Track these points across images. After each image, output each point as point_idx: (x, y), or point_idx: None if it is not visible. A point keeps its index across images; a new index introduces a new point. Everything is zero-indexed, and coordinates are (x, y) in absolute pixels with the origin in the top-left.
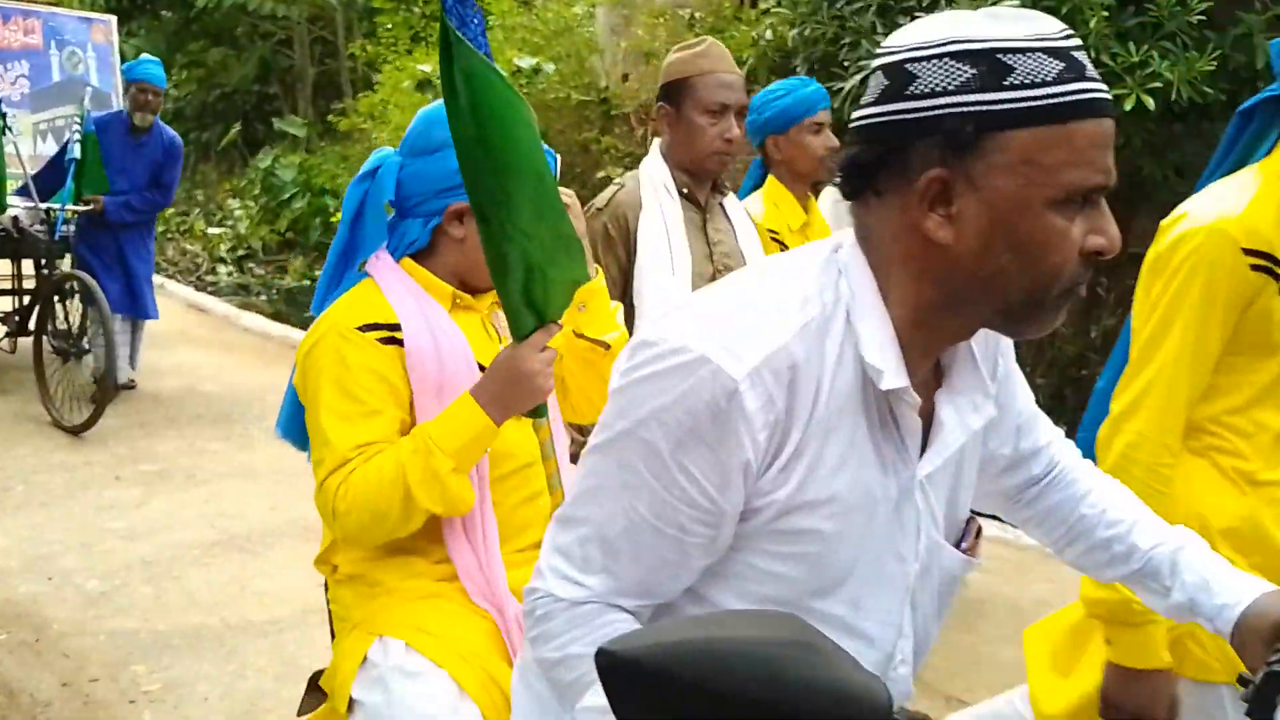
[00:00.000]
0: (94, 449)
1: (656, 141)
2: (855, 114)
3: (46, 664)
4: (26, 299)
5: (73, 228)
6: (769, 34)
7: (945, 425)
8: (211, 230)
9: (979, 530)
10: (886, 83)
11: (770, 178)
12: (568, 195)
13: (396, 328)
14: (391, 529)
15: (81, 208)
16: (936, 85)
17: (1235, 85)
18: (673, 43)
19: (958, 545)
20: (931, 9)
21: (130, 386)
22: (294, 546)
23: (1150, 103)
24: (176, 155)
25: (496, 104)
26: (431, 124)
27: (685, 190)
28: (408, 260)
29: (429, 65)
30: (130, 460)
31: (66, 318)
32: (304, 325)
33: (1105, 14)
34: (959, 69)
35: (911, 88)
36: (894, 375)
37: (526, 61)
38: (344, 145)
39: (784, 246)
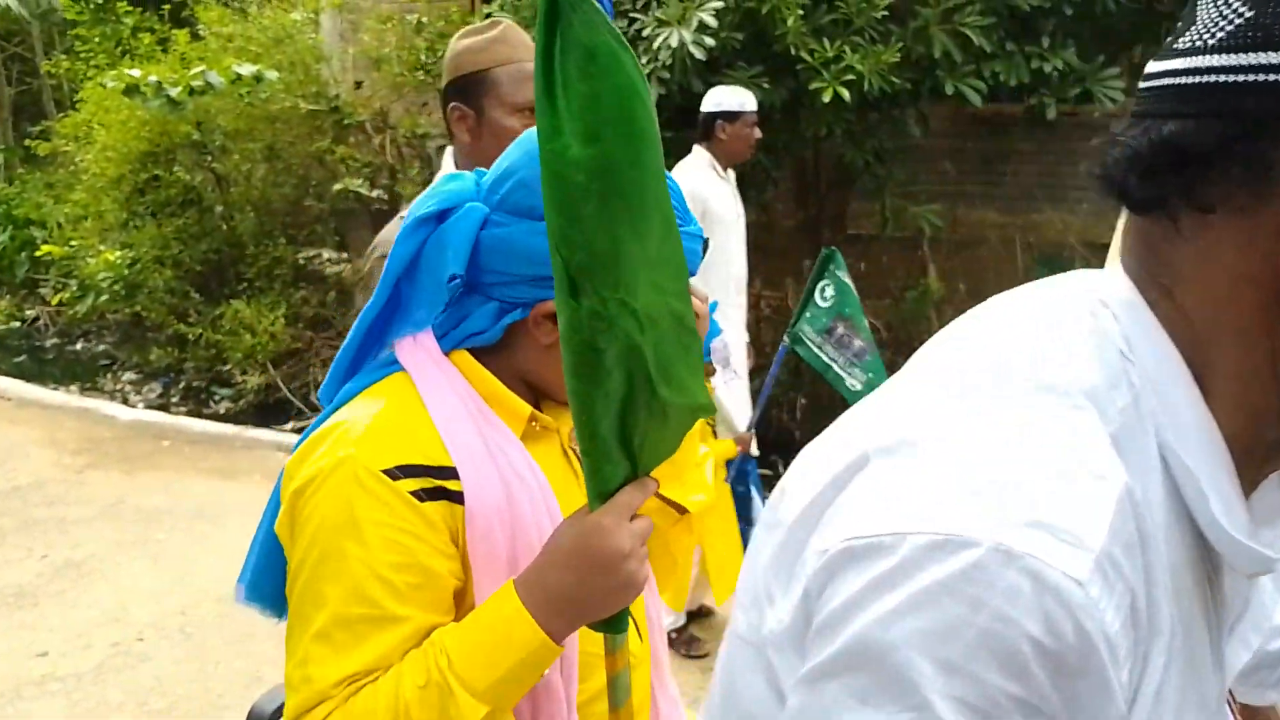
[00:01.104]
0: None
1: (448, 152)
2: (1155, 69)
3: None
4: None
5: None
6: None
7: (1258, 597)
8: None
9: None
10: (1243, 17)
11: None
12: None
13: (449, 473)
14: None
15: None
16: None
17: (918, 75)
18: (402, 49)
19: None
20: (645, 10)
21: None
22: (5, 616)
23: (846, 94)
24: None
25: (626, 103)
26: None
27: None
28: (464, 356)
29: (138, 70)
30: None
31: None
32: (18, 372)
33: (801, 12)
34: None
35: None
36: (1241, 525)
37: (246, 69)
38: (47, 171)
39: None
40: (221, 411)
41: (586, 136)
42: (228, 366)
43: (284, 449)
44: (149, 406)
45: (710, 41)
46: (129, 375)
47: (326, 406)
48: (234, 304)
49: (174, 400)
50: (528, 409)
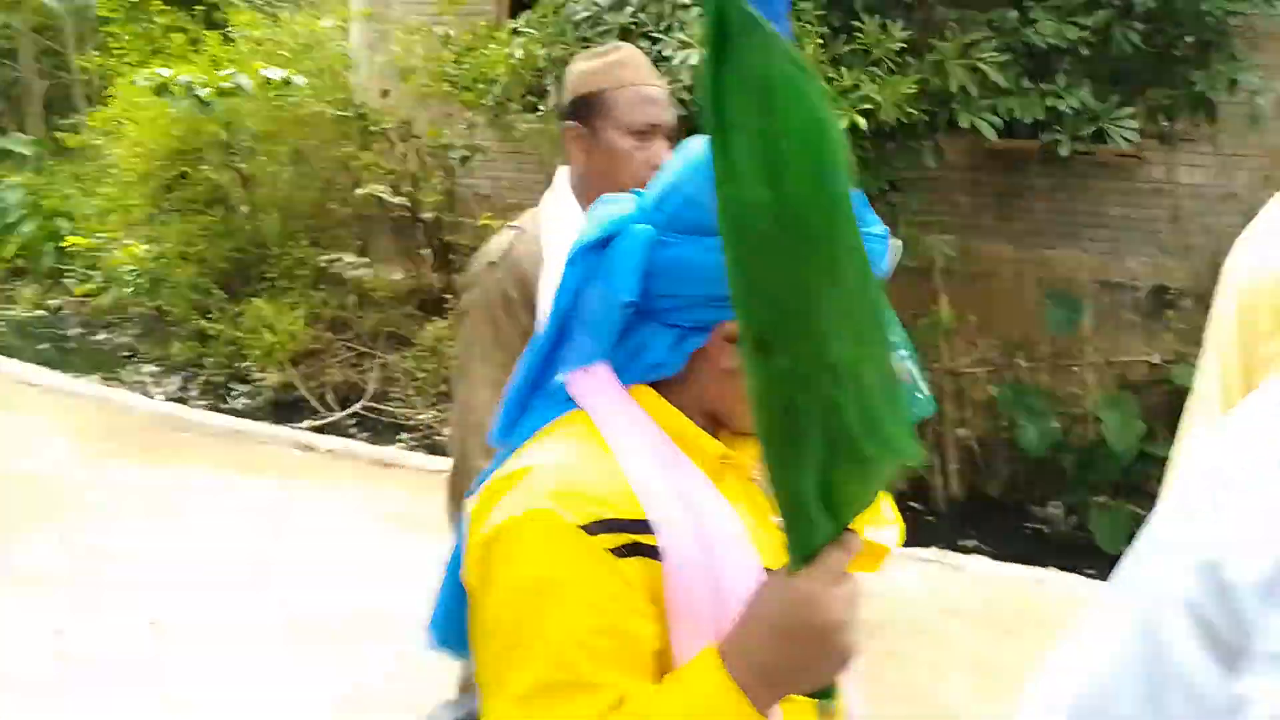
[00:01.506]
0: None
1: (563, 171)
2: None
3: None
4: None
5: None
6: (520, 53)
7: None
8: None
9: None
10: None
11: None
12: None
13: (643, 526)
14: None
15: None
16: None
17: (935, 106)
18: (429, 60)
19: None
20: (668, 32)
21: None
22: (27, 596)
23: (863, 123)
24: None
25: (812, 139)
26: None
27: None
28: (646, 391)
29: (169, 70)
30: None
31: None
32: (42, 360)
33: (820, 41)
34: None
35: None
36: None
37: (276, 73)
38: (76, 163)
39: None
40: (239, 407)
41: (768, 178)
42: (247, 363)
43: (300, 446)
44: (168, 399)
45: None
46: (150, 368)
47: (500, 443)
48: (255, 302)
49: (193, 395)
50: (719, 448)
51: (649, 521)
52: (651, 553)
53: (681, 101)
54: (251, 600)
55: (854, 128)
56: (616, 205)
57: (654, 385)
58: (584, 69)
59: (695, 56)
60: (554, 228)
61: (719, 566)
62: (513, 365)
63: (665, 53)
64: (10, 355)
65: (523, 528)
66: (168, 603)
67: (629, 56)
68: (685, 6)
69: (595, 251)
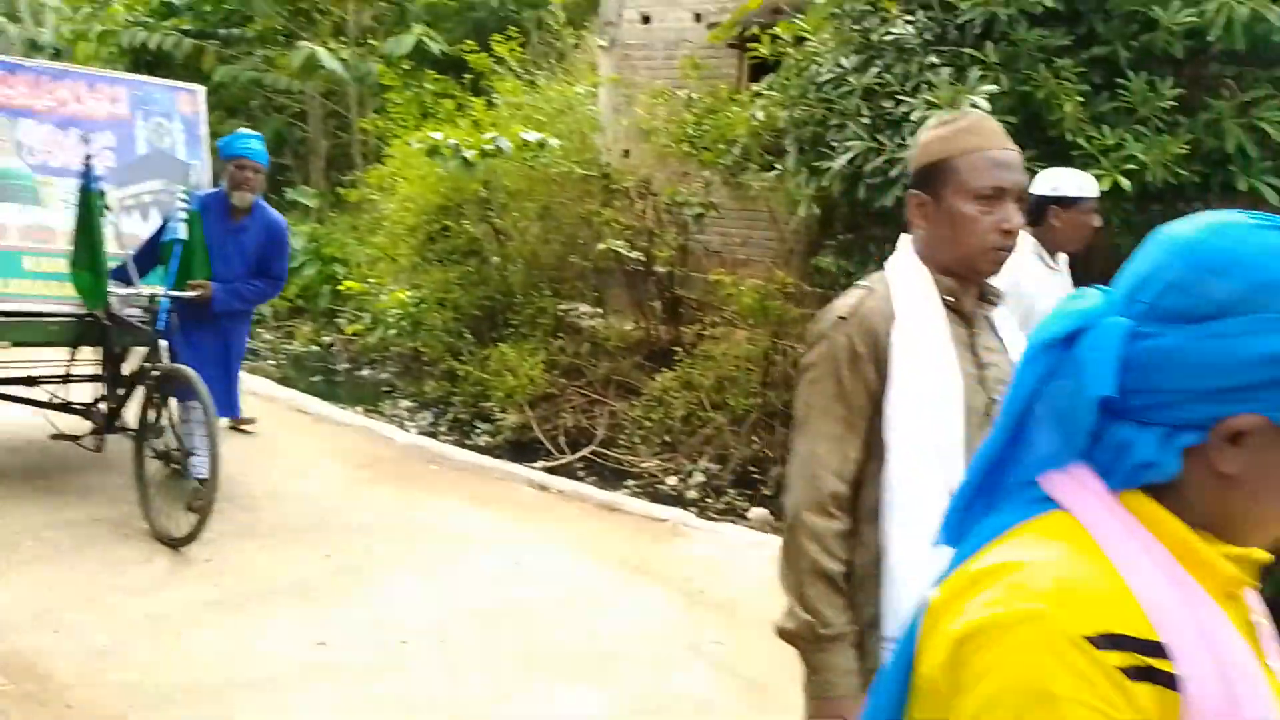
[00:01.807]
0: (100, 507)
1: (906, 239)
2: None
3: (51, 715)
4: (108, 390)
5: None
6: (761, 115)
7: None
8: None
9: None
10: None
11: None
12: None
13: (1155, 649)
14: None
15: (188, 294)
16: None
17: (1208, 168)
18: (670, 122)
19: None
20: (915, 93)
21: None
22: (294, 606)
23: (1126, 184)
24: (282, 240)
25: None
26: (1210, 267)
27: (949, 298)
28: (1140, 498)
29: (440, 134)
30: (135, 518)
31: (167, 416)
32: (313, 391)
33: (1080, 99)
34: None
35: None
36: None
37: (532, 136)
38: (353, 215)
39: None
40: (481, 444)
41: None
42: (490, 403)
43: (534, 485)
44: (420, 432)
45: None
46: (405, 403)
47: (948, 544)
48: (500, 347)
49: (442, 430)
50: (1231, 569)
51: (1163, 644)
52: (1168, 681)
53: None
54: (489, 625)
55: (1116, 188)
56: (1079, 300)
57: (1148, 491)
58: (929, 139)
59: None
60: (903, 289)
61: (1240, 707)
62: (855, 421)
63: (912, 115)
64: (288, 385)
65: (1013, 629)
66: (417, 623)
67: (975, 123)
68: (934, 66)
69: (1059, 348)
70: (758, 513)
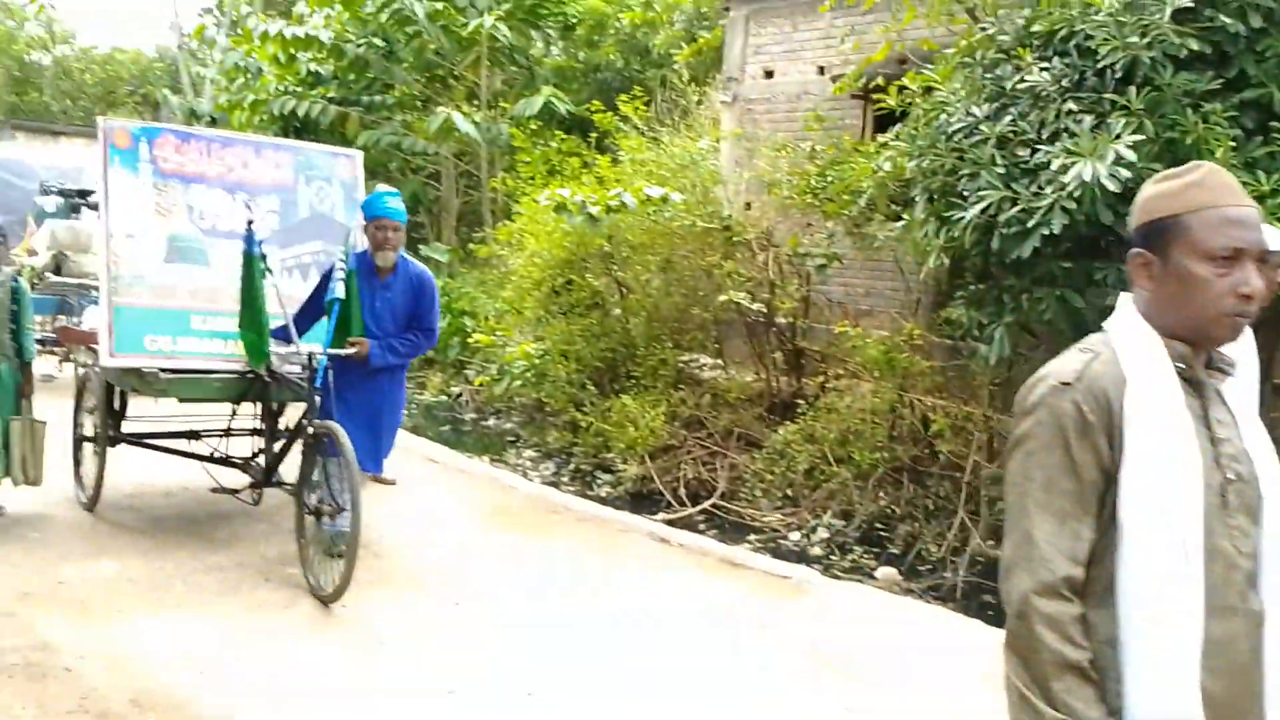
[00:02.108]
0: (245, 552)
1: (1125, 299)
2: None
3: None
4: (266, 445)
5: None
6: (887, 165)
7: None
8: None
9: None
10: None
11: None
12: None
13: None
14: None
15: (346, 351)
16: None
17: None
18: (793, 173)
19: None
20: (1052, 141)
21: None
22: (425, 654)
23: None
24: (431, 293)
25: None
26: None
27: (1181, 365)
28: None
29: (567, 191)
30: (277, 564)
31: (320, 472)
32: (442, 440)
33: (1232, 145)
34: None
35: None
36: None
37: (656, 191)
38: (482, 270)
39: None
40: (602, 494)
41: None
42: (611, 454)
43: (655, 537)
44: (544, 482)
45: (1126, 174)
46: (529, 453)
47: None
48: (622, 398)
49: (564, 479)
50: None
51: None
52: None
53: (1065, 210)
54: (611, 678)
55: None
56: None
57: None
58: (1153, 194)
59: (1088, 170)
60: (1133, 352)
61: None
62: (1086, 496)
63: (1050, 164)
64: (418, 434)
65: None
66: (542, 673)
67: (1206, 177)
68: (1072, 113)
69: None
70: (886, 572)
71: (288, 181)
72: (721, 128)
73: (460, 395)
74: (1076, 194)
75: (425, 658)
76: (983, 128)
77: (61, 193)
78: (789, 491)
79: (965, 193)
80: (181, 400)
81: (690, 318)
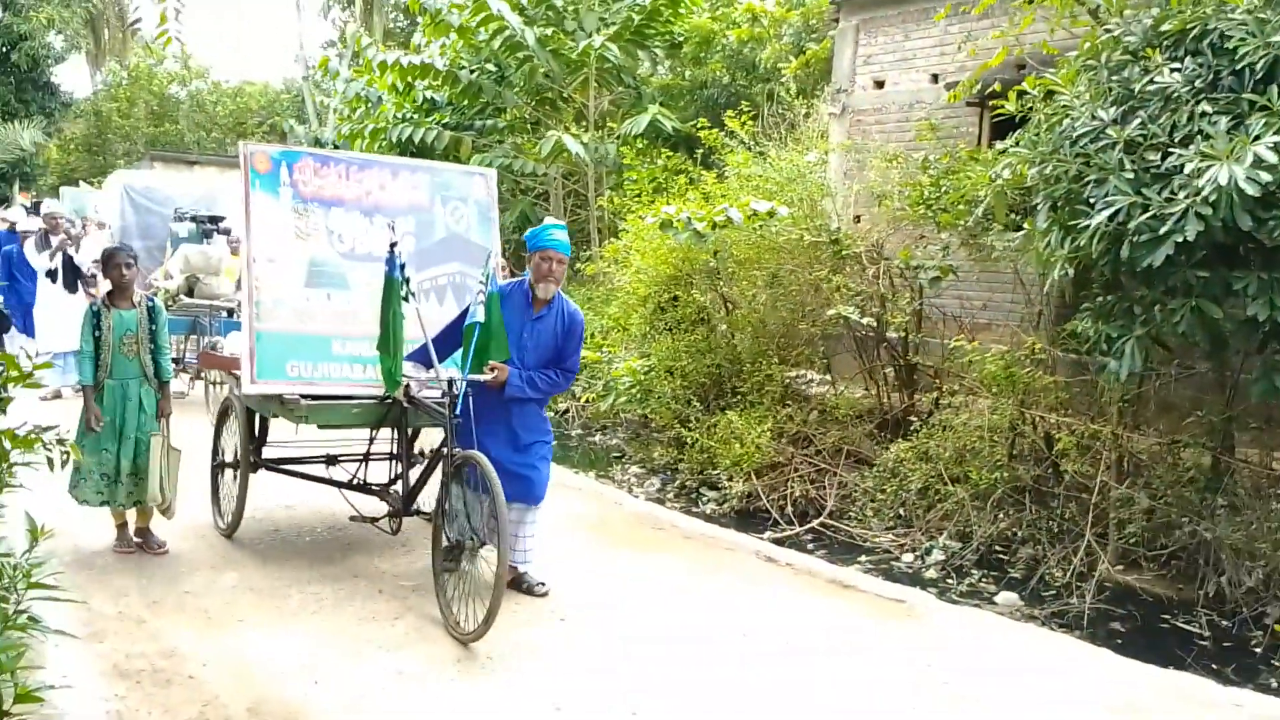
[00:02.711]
0: (358, 562)
1: None
2: None
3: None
4: (403, 471)
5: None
6: (1006, 173)
7: None
8: None
9: None
10: None
11: None
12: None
13: None
14: None
15: (484, 376)
16: None
17: None
18: (906, 184)
19: None
20: (1185, 144)
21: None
22: (532, 669)
23: None
24: (580, 333)
25: None
26: None
27: None
28: None
29: (673, 207)
30: (388, 574)
31: (461, 502)
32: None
33: None
34: None
35: None
36: None
37: (763, 205)
38: (590, 287)
39: None
40: (707, 511)
41: None
42: (717, 471)
43: (761, 556)
44: (649, 499)
45: (1266, 177)
46: (634, 469)
47: None
48: (728, 414)
49: (669, 495)
50: None
51: None
52: None
53: (1200, 216)
54: (716, 696)
55: None
56: None
57: None
58: None
59: (1224, 172)
60: None
61: None
62: None
63: (1184, 167)
64: None
65: None
66: (648, 689)
67: None
68: (1207, 115)
69: None
70: (1007, 597)
71: (423, 203)
72: (830, 140)
73: (567, 411)
74: (1212, 199)
75: (531, 674)
76: (1110, 132)
77: (194, 219)
78: (901, 511)
79: (1092, 199)
80: (321, 427)
81: (797, 333)
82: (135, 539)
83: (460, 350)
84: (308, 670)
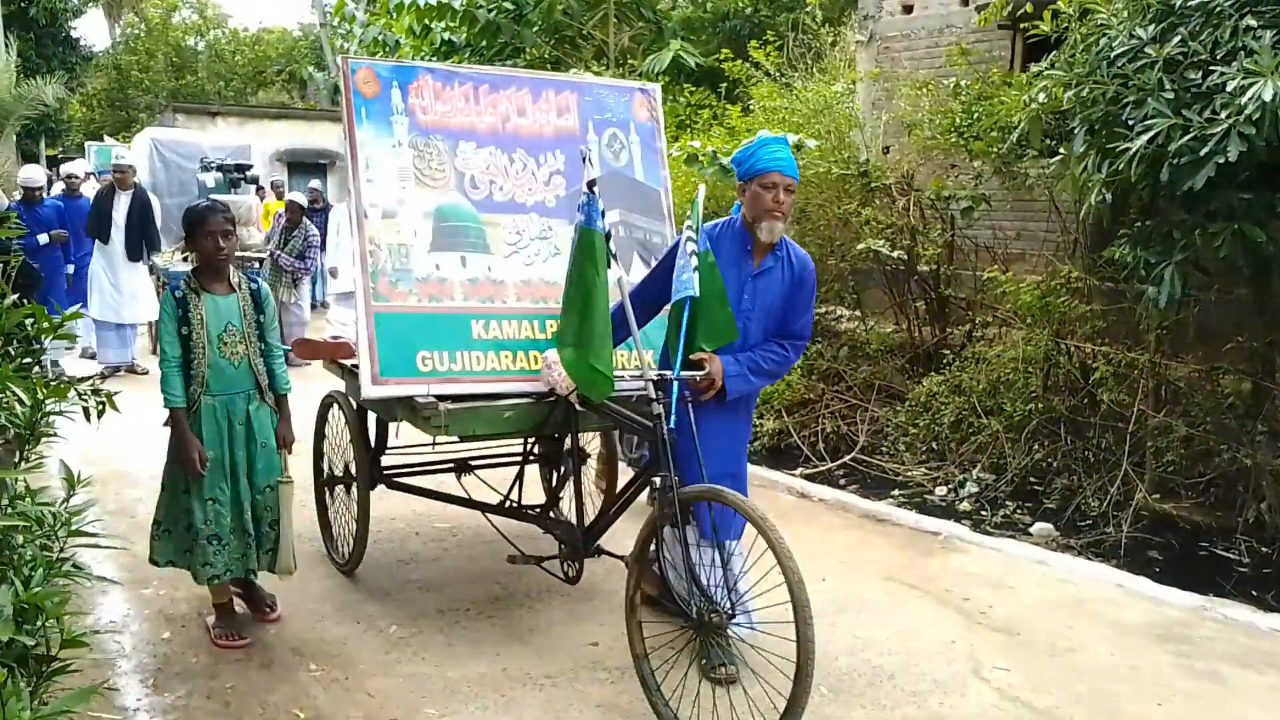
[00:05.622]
0: (396, 507)
1: None
2: None
3: (353, 701)
4: (575, 495)
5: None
6: (1042, 96)
7: None
8: None
9: None
10: None
11: None
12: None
13: None
14: None
15: (697, 374)
16: None
17: None
18: (935, 113)
19: None
20: (1227, 61)
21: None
22: (570, 605)
23: None
24: (810, 285)
25: None
26: None
27: None
28: None
29: (698, 142)
30: (428, 518)
31: (680, 549)
32: None
33: None
34: None
35: None
36: None
37: (789, 138)
38: None
39: None
40: None
41: None
42: None
43: (793, 492)
44: None
45: None
46: None
47: None
48: None
49: None
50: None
51: None
52: None
53: (1243, 136)
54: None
55: None
56: None
57: None
58: None
59: (1268, 88)
60: None
61: None
62: None
63: (1227, 85)
64: None
65: None
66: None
67: None
68: (1251, 30)
69: None
70: (1041, 528)
71: (574, 131)
72: (857, 69)
73: None
74: (1255, 117)
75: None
76: (1149, 50)
77: (220, 167)
78: (934, 445)
79: (1130, 122)
80: (462, 438)
81: (826, 268)
82: (241, 606)
83: (663, 331)
84: (350, 611)
